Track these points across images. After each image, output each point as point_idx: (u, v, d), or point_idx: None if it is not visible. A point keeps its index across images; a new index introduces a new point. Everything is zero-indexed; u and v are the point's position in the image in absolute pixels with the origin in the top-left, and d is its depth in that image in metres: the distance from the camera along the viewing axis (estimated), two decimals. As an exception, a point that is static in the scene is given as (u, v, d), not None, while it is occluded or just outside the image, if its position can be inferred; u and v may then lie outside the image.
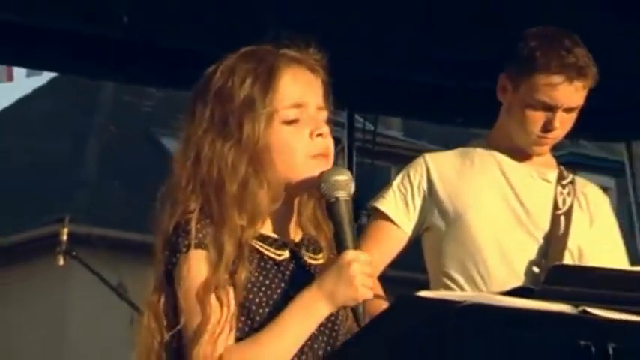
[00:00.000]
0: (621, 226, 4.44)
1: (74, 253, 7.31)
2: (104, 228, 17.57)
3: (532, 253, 4.14)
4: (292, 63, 2.89)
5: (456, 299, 2.50)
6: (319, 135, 2.87)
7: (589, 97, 7.16)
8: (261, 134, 2.81)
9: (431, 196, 4.15)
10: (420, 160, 4.14)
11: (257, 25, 5.51)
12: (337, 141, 5.85)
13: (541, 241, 4.17)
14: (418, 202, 4.07)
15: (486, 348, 2.43)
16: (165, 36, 6.52)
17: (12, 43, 6.22)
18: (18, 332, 22.20)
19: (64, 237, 7.19)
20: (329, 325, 2.85)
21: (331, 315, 2.81)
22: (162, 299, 2.82)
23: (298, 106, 2.86)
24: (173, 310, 2.80)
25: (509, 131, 4.26)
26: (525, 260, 4.13)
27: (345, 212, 2.83)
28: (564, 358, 2.44)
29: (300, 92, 2.88)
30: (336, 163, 3.64)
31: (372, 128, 6.81)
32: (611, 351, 2.39)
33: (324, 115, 2.93)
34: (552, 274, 3.76)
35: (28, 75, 11.67)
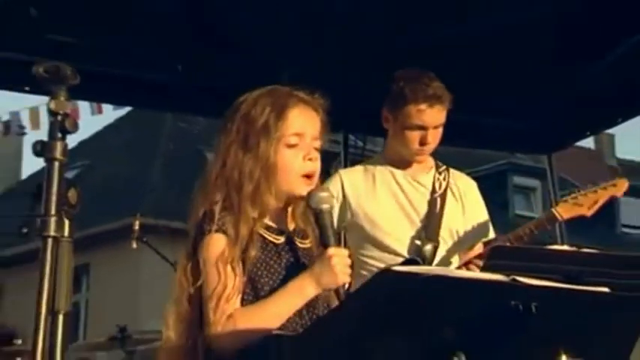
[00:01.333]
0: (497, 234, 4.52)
1: (144, 239, 7.36)
2: (166, 220, 17.62)
3: (414, 232, 4.25)
4: (300, 102, 3.01)
5: (420, 272, 2.56)
6: (310, 159, 2.99)
7: (521, 122, 7.24)
8: (271, 153, 2.93)
9: (345, 203, 4.22)
10: (336, 176, 4.26)
11: (272, 66, 5.59)
12: (336, 155, 5.87)
13: (421, 223, 4.25)
14: (336, 208, 4.08)
15: (444, 307, 2.49)
16: (209, 79, 6.57)
17: (106, 87, 6.30)
18: (100, 303, 22.19)
19: (137, 227, 7.25)
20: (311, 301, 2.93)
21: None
22: (190, 265, 2.94)
23: (298, 135, 2.97)
24: (196, 274, 2.90)
25: (396, 148, 4.32)
26: (411, 238, 4.22)
27: (327, 219, 2.99)
28: (500, 315, 2.46)
29: (301, 125, 2.98)
30: (335, 171, 3.72)
31: (362, 144, 6.87)
32: (534, 309, 2.45)
33: (318, 143, 3.05)
34: (492, 254, 3.82)
35: (114, 109, 11.82)
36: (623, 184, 4.36)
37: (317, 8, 5.75)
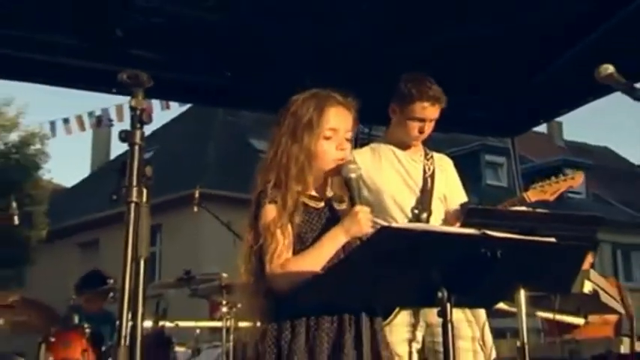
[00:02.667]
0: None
1: (203, 205, 7.34)
2: (218, 190, 17.68)
3: (413, 201, 4.21)
4: (336, 103, 2.98)
5: (414, 228, 2.59)
6: (341, 149, 2.98)
7: (491, 112, 7.24)
8: (312, 144, 2.93)
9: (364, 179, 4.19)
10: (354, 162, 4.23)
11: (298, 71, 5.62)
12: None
13: (418, 193, 4.21)
14: None
15: (430, 255, 2.51)
16: (251, 82, 6.61)
17: (172, 89, 6.34)
18: (170, 253, 22.28)
19: (197, 195, 7.23)
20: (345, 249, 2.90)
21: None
22: (252, 229, 2.93)
23: (334, 130, 2.96)
24: (257, 235, 2.90)
25: (398, 134, 4.28)
26: (410, 206, 4.18)
27: (354, 184, 2.98)
28: (473, 260, 2.49)
29: (336, 122, 2.96)
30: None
31: (368, 130, 6.89)
32: (499, 255, 2.47)
33: (349, 135, 3.03)
34: (468, 213, 3.85)
35: (179, 105, 11.88)
36: (580, 177, 4.32)
37: (326, 28, 5.85)
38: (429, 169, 4.31)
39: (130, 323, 2.21)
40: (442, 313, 2.59)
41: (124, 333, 2.20)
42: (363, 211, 2.89)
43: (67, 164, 70.84)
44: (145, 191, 2.26)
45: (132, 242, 2.19)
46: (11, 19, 5.83)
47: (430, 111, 4.18)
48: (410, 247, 2.46)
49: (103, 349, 5.46)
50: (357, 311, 2.86)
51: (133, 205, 2.22)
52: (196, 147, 24.97)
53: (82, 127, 15.23)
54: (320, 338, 2.80)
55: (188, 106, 19.51)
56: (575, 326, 5.59)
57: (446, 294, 2.54)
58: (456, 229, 3.17)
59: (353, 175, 2.97)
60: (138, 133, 2.30)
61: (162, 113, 22.69)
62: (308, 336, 2.80)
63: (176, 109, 16.31)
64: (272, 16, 5.84)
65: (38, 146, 23.94)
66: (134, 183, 2.24)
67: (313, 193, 3.03)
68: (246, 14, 5.83)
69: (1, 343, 5.39)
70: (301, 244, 2.89)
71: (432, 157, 4.38)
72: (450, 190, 4.34)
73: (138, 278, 2.21)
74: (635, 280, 30.52)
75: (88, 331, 5.44)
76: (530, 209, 4.10)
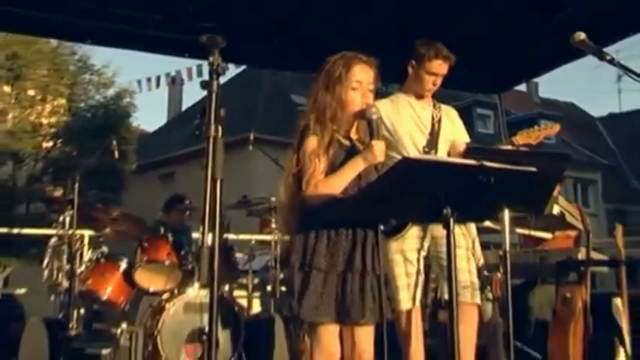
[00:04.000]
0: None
1: (256, 145, 7.34)
2: (266, 134, 17.63)
3: (424, 141, 4.14)
4: (360, 62, 2.97)
5: (427, 159, 2.60)
6: (365, 97, 2.97)
7: (482, 72, 7.15)
8: (342, 93, 2.93)
9: (385, 123, 4.09)
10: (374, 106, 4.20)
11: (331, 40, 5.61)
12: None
13: (428, 135, 4.16)
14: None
15: (438, 179, 2.52)
16: (293, 47, 6.58)
17: (231, 54, 6.35)
18: (231, 182, 22.24)
19: (251, 137, 7.24)
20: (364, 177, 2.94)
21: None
22: (295, 156, 2.95)
23: (359, 82, 2.94)
24: (298, 161, 2.92)
25: (414, 87, 4.20)
26: (422, 145, 4.12)
27: (374, 123, 2.97)
28: (471, 185, 2.49)
29: (360, 76, 2.95)
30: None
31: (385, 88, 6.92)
32: (492, 181, 2.48)
33: (372, 87, 3.00)
34: (468, 150, 3.85)
35: (235, 67, 11.76)
36: (557, 127, 4.30)
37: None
38: (437, 116, 4.25)
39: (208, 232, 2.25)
40: (446, 226, 2.60)
41: (205, 238, 2.24)
42: (377, 144, 2.90)
43: (149, 114, 72.88)
44: (219, 128, 2.29)
45: (211, 166, 2.22)
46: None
47: (443, 67, 4.12)
48: (422, 173, 2.48)
49: (182, 253, 5.54)
50: (366, 227, 2.89)
51: (211, 138, 2.25)
52: (249, 101, 24.85)
53: (160, 85, 15.38)
54: (338, 244, 2.84)
55: (242, 67, 19.41)
56: (545, 240, 5.63)
57: (450, 211, 2.55)
58: (459, 159, 3.16)
59: (374, 117, 2.96)
60: (215, 83, 2.32)
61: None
62: (329, 242, 2.84)
63: (232, 70, 16.29)
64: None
65: (129, 99, 24.12)
66: (212, 121, 2.27)
67: (343, 132, 3.02)
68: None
69: (108, 246, 5.48)
70: (332, 171, 2.90)
71: (439, 107, 4.32)
72: (456, 134, 4.30)
73: (215, 194, 2.25)
74: (590, 207, 30.51)
75: (171, 239, 5.51)
76: (516, 148, 4.10)
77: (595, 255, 4.89)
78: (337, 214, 2.80)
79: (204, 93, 2.33)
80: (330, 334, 2.86)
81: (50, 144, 22.13)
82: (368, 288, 2.85)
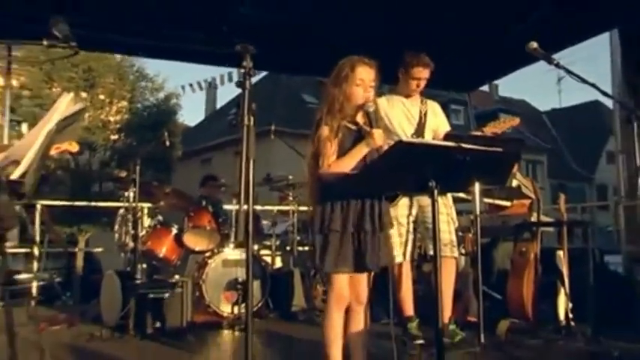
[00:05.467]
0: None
1: (277, 135, 7.13)
2: (285, 127, 17.48)
3: (413, 130, 4.09)
4: (363, 63, 2.86)
5: (415, 141, 2.55)
6: (366, 92, 2.85)
7: (456, 74, 7.04)
8: (347, 88, 2.83)
9: (378, 113, 4.08)
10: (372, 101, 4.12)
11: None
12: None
13: (415, 125, 4.11)
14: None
15: (426, 158, 2.45)
16: (306, 55, 6.50)
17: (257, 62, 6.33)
18: (267, 163, 22.16)
19: (273, 128, 7.06)
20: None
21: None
22: (313, 142, 2.85)
23: (362, 80, 2.84)
24: (314, 146, 2.83)
25: (404, 88, 4.14)
26: (410, 132, 4.07)
27: (372, 115, 2.89)
28: (451, 162, 2.43)
29: (363, 75, 2.84)
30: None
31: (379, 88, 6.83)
32: (468, 159, 2.43)
33: (373, 83, 2.88)
34: (447, 137, 3.80)
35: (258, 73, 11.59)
36: (517, 120, 4.24)
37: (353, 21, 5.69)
38: (423, 110, 4.20)
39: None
40: (431, 196, 2.54)
41: (241, 207, 2.21)
42: (377, 132, 2.82)
43: (191, 112, 73.40)
44: (252, 118, 2.24)
45: (246, 150, 2.18)
46: (161, 22, 5.85)
47: (424, 73, 4.07)
48: (413, 154, 2.41)
49: (220, 220, 5.53)
50: (372, 197, 2.82)
51: (245, 127, 2.21)
52: (269, 100, 24.65)
53: (200, 89, 15.44)
54: (349, 211, 2.77)
55: (264, 73, 19.26)
56: (505, 207, 5.61)
57: (434, 184, 2.49)
58: (442, 142, 3.10)
59: (370, 109, 2.87)
60: (247, 82, 2.27)
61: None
62: (342, 210, 2.77)
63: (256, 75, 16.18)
64: (323, 11, 5.75)
65: (175, 101, 24.01)
66: (246, 112, 2.23)
67: (350, 119, 2.92)
68: (305, 13, 5.73)
69: (162, 215, 5.48)
70: (341, 152, 2.81)
71: (425, 102, 4.26)
72: (439, 124, 4.23)
73: (247, 177, 2.21)
74: (538, 182, 30.49)
75: (210, 209, 5.50)
76: (484, 134, 4.04)
77: (543, 218, 4.88)
78: (347, 188, 2.74)
79: (235, 94, 2.30)
80: (341, 281, 2.81)
81: (116, 137, 22.14)
82: (375, 244, 2.80)
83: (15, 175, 1.90)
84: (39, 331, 4.43)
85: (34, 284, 6.36)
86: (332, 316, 2.82)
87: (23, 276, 6.39)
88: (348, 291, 2.84)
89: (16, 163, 1.92)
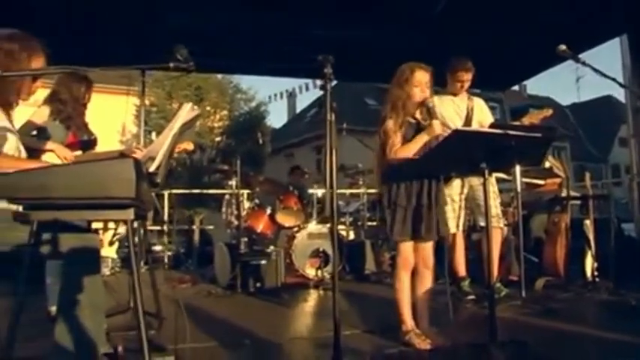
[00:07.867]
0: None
1: (347, 132, 6.97)
2: (352, 125, 17.21)
3: (462, 122, 3.88)
4: (419, 68, 2.72)
5: (470, 129, 2.43)
6: (423, 92, 2.72)
7: (491, 74, 6.61)
8: (408, 89, 2.70)
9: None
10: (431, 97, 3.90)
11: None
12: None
13: (464, 118, 3.93)
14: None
15: (479, 143, 2.33)
16: (369, 64, 6.31)
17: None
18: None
19: (345, 126, 6.57)
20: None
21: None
22: (381, 134, 2.74)
23: (419, 82, 2.71)
24: (381, 137, 2.74)
25: (451, 88, 3.95)
26: (460, 125, 3.85)
27: (433, 109, 2.77)
28: (499, 147, 2.27)
29: (420, 77, 2.71)
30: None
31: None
32: (513, 143, 2.30)
33: (428, 85, 2.73)
34: (493, 126, 3.61)
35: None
36: (551, 111, 3.97)
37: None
38: (470, 106, 4.02)
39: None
40: (482, 176, 2.43)
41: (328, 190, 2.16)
42: (435, 123, 2.69)
43: (277, 116, 73.79)
44: (333, 115, 2.18)
45: (329, 141, 2.13)
46: (253, 46, 5.78)
47: (467, 75, 3.90)
48: (467, 140, 2.31)
49: (305, 202, 5.55)
50: (430, 178, 2.71)
51: (328, 122, 2.15)
52: (337, 104, 24.02)
53: (282, 97, 15.62)
54: (412, 189, 2.68)
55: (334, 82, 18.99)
56: (540, 185, 5.38)
57: (485, 165, 2.38)
58: (492, 129, 2.91)
59: (431, 105, 2.76)
60: (328, 86, 2.21)
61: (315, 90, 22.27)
62: (406, 189, 2.68)
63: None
64: (381, 30, 5.49)
65: (264, 108, 24.30)
66: (329, 111, 2.17)
67: (411, 114, 2.80)
68: (366, 31, 5.54)
69: (259, 199, 5.54)
70: (404, 142, 2.70)
71: (472, 99, 4.06)
72: (484, 117, 4.03)
73: (332, 159, 2.16)
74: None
75: (297, 193, 5.52)
76: (522, 124, 3.82)
77: (572, 193, 4.66)
78: (411, 170, 2.65)
79: (311, 100, 2.24)
80: (407, 248, 2.73)
81: (219, 139, 22.68)
82: (432, 217, 2.70)
83: (151, 168, 1.94)
84: (172, 288, 4.61)
85: (166, 254, 6.63)
86: (401, 279, 2.74)
87: (158, 247, 6.70)
88: (412, 256, 2.75)
89: (152, 159, 1.96)
